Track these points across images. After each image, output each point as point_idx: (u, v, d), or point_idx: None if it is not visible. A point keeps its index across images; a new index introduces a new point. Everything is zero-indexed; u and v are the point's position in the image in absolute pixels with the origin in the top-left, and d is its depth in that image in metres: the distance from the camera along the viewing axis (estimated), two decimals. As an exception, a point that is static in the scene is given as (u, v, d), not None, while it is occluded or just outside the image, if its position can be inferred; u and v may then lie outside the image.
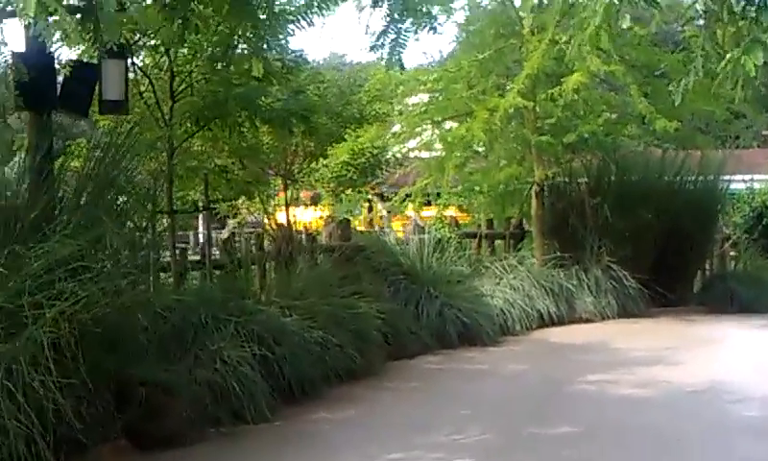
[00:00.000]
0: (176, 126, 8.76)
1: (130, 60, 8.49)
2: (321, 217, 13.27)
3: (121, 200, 6.56)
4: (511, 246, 14.23)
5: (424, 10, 6.66)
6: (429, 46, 47.30)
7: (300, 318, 8.63)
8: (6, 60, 5.96)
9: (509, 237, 14.47)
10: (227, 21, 7.56)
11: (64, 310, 5.33)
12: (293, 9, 7.75)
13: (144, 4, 7.02)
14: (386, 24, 6.44)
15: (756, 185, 18.43)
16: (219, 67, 8.76)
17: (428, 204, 16.68)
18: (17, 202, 6.07)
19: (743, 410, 7.80)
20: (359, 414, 7.87)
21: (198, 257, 9.64)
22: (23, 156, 6.54)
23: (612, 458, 6.52)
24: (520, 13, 13.58)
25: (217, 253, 9.86)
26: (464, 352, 10.62)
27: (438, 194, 14.47)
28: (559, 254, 13.45)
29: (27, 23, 4.88)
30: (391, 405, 8.23)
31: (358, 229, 13.82)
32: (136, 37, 8.35)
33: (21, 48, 6.41)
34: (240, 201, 12.02)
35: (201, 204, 9.44)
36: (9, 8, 5.44)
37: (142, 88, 8.92)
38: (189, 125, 8.93)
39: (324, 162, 13.58)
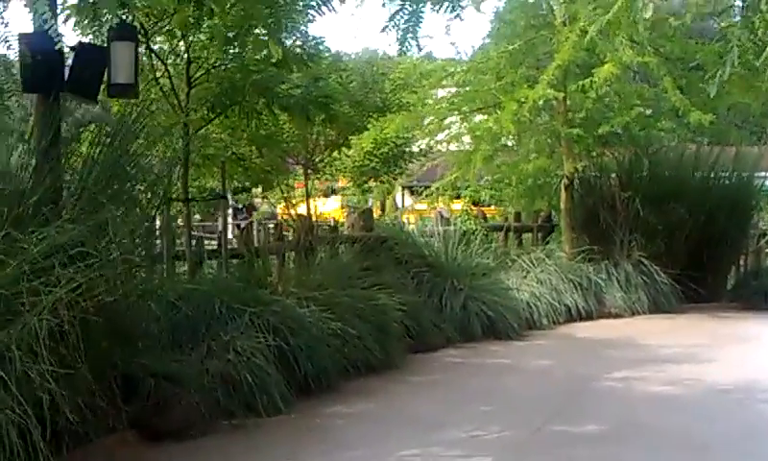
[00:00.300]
0: (192, 112, 8.55)
1: (145, 46, 8.36)
2: (341, 207, 13.05)
3: (129, 186, 6.34)
4: (539, 239, 13.95)
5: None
6: (460, 41, 47.04)
7: (318, 309, 8.41)
8: (7, 42, 5.79)
9: (537, 230, 14.20)
10: (241, 3, 7.35)
11: (62, 297, 5.12)
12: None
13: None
14: (401, 3, 6.19)
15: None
16: (236, 52, 8.54)
17: (459, 197, 16.46)
18: (20, 187, 5.87)
19: (777, 411, 7.49)
20: (376, 408, 7.64)
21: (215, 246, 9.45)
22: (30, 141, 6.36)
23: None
24: (552, 4, 13.26)
25: (235, 242, 9.70)
26: (488, 346, 10.36)
27: (466, 187, 14.19)
28: (588, 247, 13.14)
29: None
30: (409, 400, 7.98)
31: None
32: (152, 22, 8.17)
33: (28, 29, 6.25)
34: (257, 189, 11.80)
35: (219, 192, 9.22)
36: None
37: (158, 74, 8.72)
38: (206, 112, 8.73)
39: (348, 153, 13.41)
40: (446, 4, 6.49)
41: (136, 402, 6.47)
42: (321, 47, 9.10)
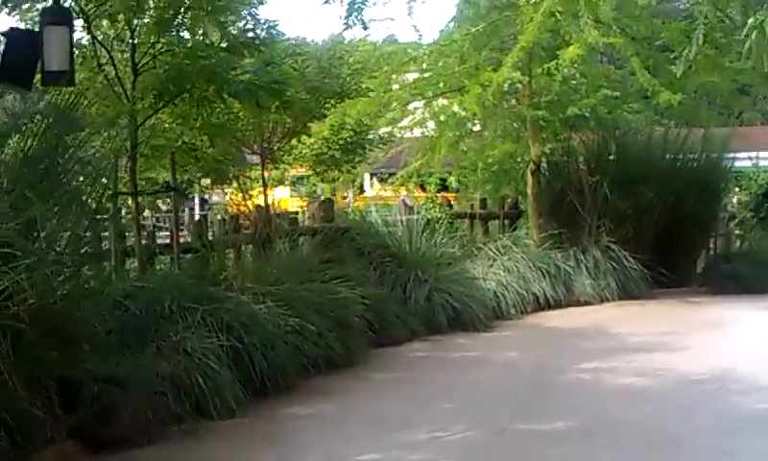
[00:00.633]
0: (139, 101, 8.13)
1: (86, 31, 7.95)
2: (290, 196, 12.67)
3: (65, 180, 5.92)
4: (505, 227, 13.65)
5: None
6: (426, 26, 46.40)
7: (274, 305, 8.07)
8: None
9: (503, 217, 13.89)
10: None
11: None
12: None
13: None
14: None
15: (763, 163, 17.87)
16: (181, 36, 8.13)
17: (424, 189, 16.13)
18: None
19: (752, 402, 7.18)
20: (335, 408, 7.30)
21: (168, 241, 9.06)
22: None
23: (605, 459, 5.92)
24: (516, -17, 12.94)
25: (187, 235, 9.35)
26: (454, 339, 10.03)
27: (430, 174, 13.83)
28: (556, 233, 12.86)
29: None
30: (371, 398, 7.64)
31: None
32: (92, 6, 7.75)
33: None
34: (208, 180, 11.40)
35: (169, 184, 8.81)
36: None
37: (104, 61, 8.28)
38: (153, 100, 8.30)
39: (308, 141, 13.04)
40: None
41: (80, 410, 6.10)
42: (274, 31, 8.71)
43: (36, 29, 6.76)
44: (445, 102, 13.43)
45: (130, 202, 8.27)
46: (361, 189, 17.69)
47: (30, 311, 5.29)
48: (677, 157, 14.30)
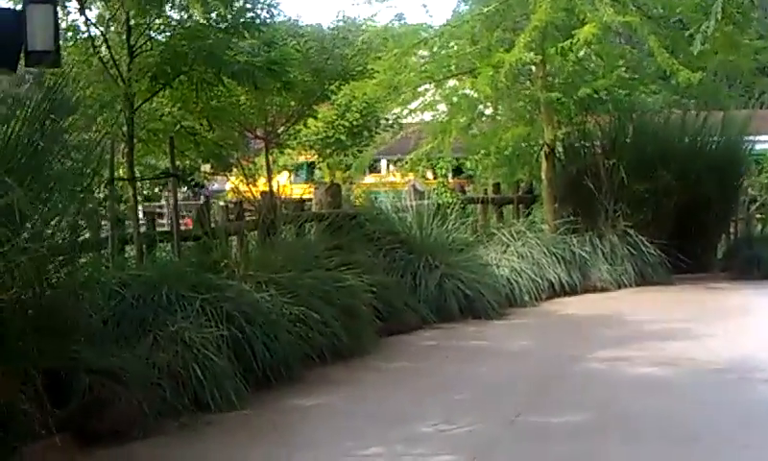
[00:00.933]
0: (135, 84, 7.86)
1: (81, 13, 7.70)
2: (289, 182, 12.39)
3: (50, 166, 5.63)
4: (519, 211, 13.33)
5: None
6: (436, 8, 45.63)
7: (278, 293, 7.81)
8: None
9: (517, 202, 13.57)
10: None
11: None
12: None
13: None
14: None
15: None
16: (179, 17, 7.85)
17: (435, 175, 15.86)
18: None
19: (776, 392, 6.86)
20: (339, 400, 7.03)
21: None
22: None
23: (619, 455, 5.56)
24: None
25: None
26: (465, 327, 9.75)
27: (439, 159, 13.53)
28: (571, 218, 12.55)
29: None
30: (376, 390, 7.36)
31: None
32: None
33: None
34: (206, 167, 11.12)
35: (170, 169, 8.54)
36: None
37: (98, 43, 8.01)
38: (150, 83, 8.03)
39: (316, 124, 12.75)
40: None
41: (72, 403, 5.87)
42: (274, 10, 8.43)
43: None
44: (457, 83, 13.12)
45: (128, 189, 7.98)
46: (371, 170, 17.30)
47: (13, 301, 5.05)
48: (696, 139, 13.98)
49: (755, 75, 14.53)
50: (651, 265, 12.28)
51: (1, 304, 4.95)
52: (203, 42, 7.79)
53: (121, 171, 8.08)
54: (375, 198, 12.07)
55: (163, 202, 14.39)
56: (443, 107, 13.45)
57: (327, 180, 15.04)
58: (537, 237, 11.86)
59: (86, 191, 5.86)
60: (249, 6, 8.06)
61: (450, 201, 12.26)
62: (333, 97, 10.90)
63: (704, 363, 7.78)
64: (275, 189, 9.65)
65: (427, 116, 13.97)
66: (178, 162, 8.99)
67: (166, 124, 8.70)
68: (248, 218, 9.38)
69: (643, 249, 12.25)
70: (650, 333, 9.08)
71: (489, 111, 13.93)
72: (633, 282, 12.09)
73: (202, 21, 7.90)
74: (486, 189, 13.78)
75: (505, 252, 11.45)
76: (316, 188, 10.94)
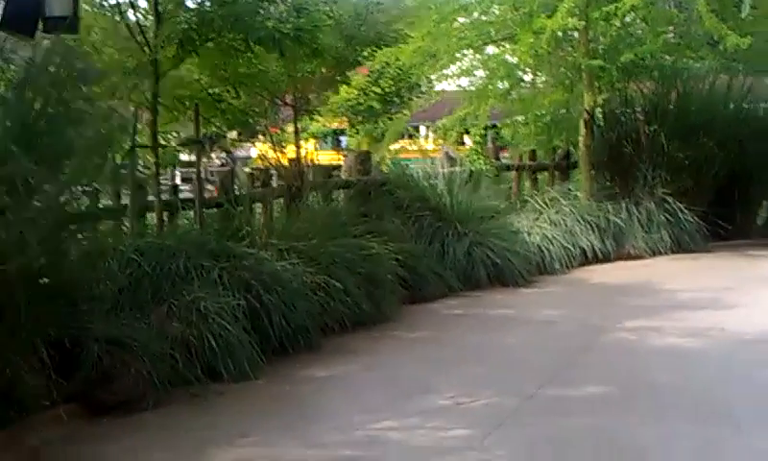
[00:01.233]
0: (162, 51, 7.73)
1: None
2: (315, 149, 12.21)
3: (61, 134, 5.54)
4: (555, 178, 13.07)
5: None
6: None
7: (300, 261, 7.72)
8: None
9: (553, 169, 13.29)
10: None
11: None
12: None
13: None
14: None
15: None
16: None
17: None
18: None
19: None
20: (356, 370, 6.90)
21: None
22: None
23: (643, 433, 5.34)
24: None
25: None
26: (492, 295, 9.57)
27: (473, 125, 13.23)
28: (608, 185, 12.28)
29: None
30: (395, 360, 7.24)
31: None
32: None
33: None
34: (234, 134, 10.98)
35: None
36: None
37: (124, 9, 7.89)
38: (177, 50, 7.90)
39: (345, 90, 12.57)
40: None
41: (81, 372, 5.82)
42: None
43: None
44: (496, 49, 12.85)
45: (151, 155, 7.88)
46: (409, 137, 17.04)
47: (21, 269, 4.99)
48: (741, 106, 13.62)
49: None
50: (688, 233, 11.97)
51: (5, 275, 4.87)
52: (231, 7, 7.64)
53: (145, 139, 7.97)
54: (407, 165, 11.83)
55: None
56: (480, 72, 13.18)
57: (358, 147, 14.87)
58: (571, 204, 11.61)
59: (104, 159, 5.74)
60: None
61: (484, 167, 12.04)
62: (368, 63, 10.66)
63: (737, 333, 7.56)
64: (302, 156, 9.49)
65: (464, 82, 13.71)
66: (204, 130, 8.86)
67: (192, 90, 8.57)
68: (274, 186, 9.26)
69: (681, 216, 11.94)
70: (681, 302, 8.84)
71: (528, 77, 13.62)
72: (668, 250, 11.78)
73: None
74: (521, 156, 13.51)
75: (537, 219, 11.22)
76: (346, 156, 10.78)
